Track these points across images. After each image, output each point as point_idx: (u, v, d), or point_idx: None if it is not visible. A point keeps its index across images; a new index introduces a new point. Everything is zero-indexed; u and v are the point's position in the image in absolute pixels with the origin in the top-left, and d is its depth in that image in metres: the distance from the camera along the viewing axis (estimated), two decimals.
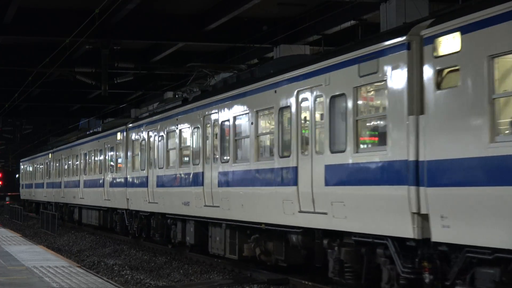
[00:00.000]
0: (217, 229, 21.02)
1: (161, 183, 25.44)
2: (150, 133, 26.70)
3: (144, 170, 27.30)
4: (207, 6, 29.79)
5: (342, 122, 14.51)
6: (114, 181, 31.64)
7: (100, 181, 34.25)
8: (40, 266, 18.36)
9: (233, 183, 19.50)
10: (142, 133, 27.74)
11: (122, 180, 30.27)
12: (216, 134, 20.74)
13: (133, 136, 28.95)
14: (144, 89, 44.19)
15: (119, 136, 30.91)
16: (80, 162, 39.41)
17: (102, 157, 34.32)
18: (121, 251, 28.75)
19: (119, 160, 31.19)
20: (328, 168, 14.91)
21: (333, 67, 14.82)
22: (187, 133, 23.20)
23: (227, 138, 20.01)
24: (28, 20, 30.18)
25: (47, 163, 50.99)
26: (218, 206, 20.27)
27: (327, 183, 14.93)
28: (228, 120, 19.96)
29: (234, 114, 19.60)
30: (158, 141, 25.71)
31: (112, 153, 32.44)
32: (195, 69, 25.86)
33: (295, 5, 28.90)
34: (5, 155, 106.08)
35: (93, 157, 36.42)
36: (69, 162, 42.63)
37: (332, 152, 14.75)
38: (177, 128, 23.90)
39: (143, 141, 27.46)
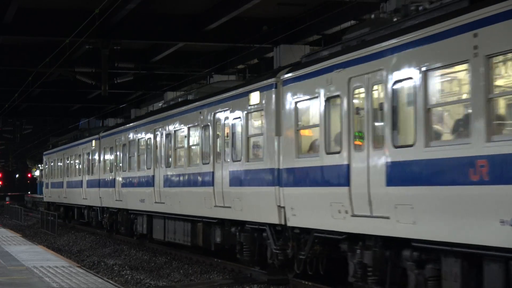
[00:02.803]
0: None
1: (412, 177, 12.72)
2: (357, 82, 14.35)
3: (338, 153, 14.86)
4: (207, 6, 29.78)
5: None
6: (244, 177, 19.15)
7: (205, 177, 21.78)
8: (40, 266, 18.36)
9: None
10: (322, 88, 15.49)
11: (267, 173, 17.81)
12: None
13: (296, 95, 16.68)
14: (144, 89, 44.17)
15: (255, 99, 18.76)
16: (157, 149, 26.47)
17: (208, 138, 21.66)
18: (121, 251, 28.74)
19: (257, 140, 18.85)
20: None
21: None
22: None
23: None
24: (28, 20, 30.15)
25: (88, 154, 37.64)
26: None
27: None
28: None
29: None
30: (392, 93, 13.24)
31: (237, 127, 19.79)
32: None
33: (295, 5, 28.88)
34: (5, 155, 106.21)
35: (185, 139, 23.69)
36: (133, 151, 29.39)
37: None
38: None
39: (335, 99, 15.14)
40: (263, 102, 18.23)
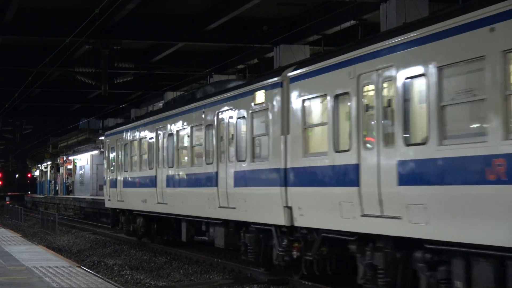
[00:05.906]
0: None
1: None
2: None
3: None
4: (207, 6, 29.78)
5: None
6: None
7: None
8: (40, 266, 18.35)
9: None
10: None
11: None
12: None
13: None
14: (144, 89, 44.17)
15: None
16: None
17: None
18: (121, 251, 28.74)
19: None
20: None
21: None
22: None
23: None
24: (28, 20, 30.14)
25: (238, 121, 19.66)
26: None
27: None
28: None
29: None
30: None
31: None
32: None
33: (295, 5, 28.88)
34: (5, 155, 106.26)
35: None
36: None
37: None
38: None
39: None
40: None
